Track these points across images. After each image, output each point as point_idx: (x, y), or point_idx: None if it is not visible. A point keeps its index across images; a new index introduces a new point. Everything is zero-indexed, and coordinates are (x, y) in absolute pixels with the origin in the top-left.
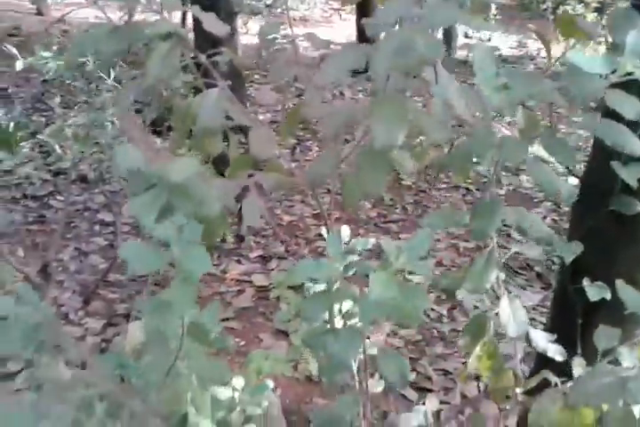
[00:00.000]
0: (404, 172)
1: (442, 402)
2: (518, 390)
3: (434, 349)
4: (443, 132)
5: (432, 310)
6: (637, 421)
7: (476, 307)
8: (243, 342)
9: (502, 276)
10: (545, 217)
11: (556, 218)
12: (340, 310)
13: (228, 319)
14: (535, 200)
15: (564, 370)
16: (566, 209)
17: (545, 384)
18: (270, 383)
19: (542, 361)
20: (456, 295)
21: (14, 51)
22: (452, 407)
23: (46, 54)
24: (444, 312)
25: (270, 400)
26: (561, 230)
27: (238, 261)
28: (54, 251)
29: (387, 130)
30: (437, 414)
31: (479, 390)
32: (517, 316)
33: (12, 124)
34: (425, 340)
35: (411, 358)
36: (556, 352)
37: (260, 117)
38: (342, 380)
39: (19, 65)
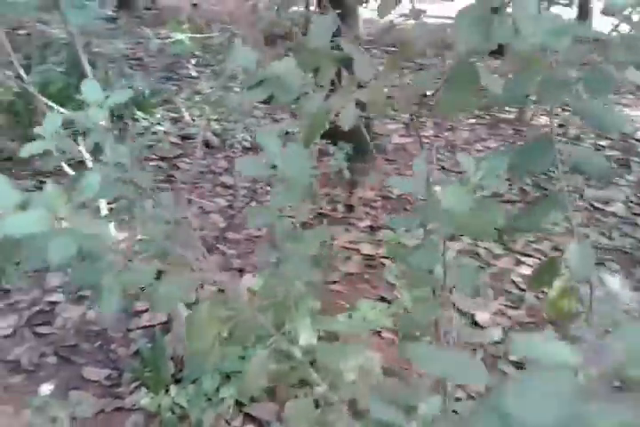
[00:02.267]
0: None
1: None
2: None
3: (542, 332)
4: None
5: (543, 292)
6: None
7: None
8: (347, 306)
9: (577, 218)
10: None
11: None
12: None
13: (334, 282)
14: None
15: None
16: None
17: None
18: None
19: None
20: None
21: (149, 32)
22: None
23: (178, 33)
24: None
25: (370, 356)
26: None
27: (347, 230)
28: (182, 208)
29: (468, 32)
30: None
31: None
32: (585, 258)
33: (147, 91)
34: (535, 323)
35: None
36: (629, 298)
37: None
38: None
39: (153, 45)
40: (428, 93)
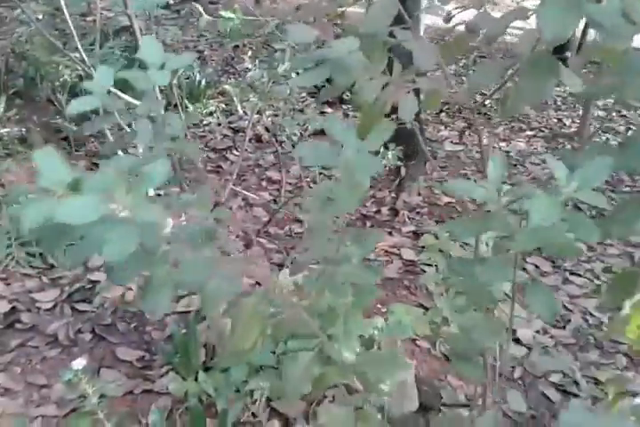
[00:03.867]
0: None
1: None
2: None
3: (587, 355)
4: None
5: (591, 315)
6: None
7: None
8: (384, 310)
9: None
10: None
11: None
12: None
13: None
14: None
15: None
16: None
17: None
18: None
19: None
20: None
21: (200, 8)
22: None
23: (226, 14)
24: (605, 320)
25: (405, 363)
26: None
27: (390, 233)
28: (225, 195)
29: (556, 18)
30: None
31: None
32: None
33: (203, 82)
34: (578, 344)
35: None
36: None
37: None
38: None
39: (202, 22)
40: (480, 99)
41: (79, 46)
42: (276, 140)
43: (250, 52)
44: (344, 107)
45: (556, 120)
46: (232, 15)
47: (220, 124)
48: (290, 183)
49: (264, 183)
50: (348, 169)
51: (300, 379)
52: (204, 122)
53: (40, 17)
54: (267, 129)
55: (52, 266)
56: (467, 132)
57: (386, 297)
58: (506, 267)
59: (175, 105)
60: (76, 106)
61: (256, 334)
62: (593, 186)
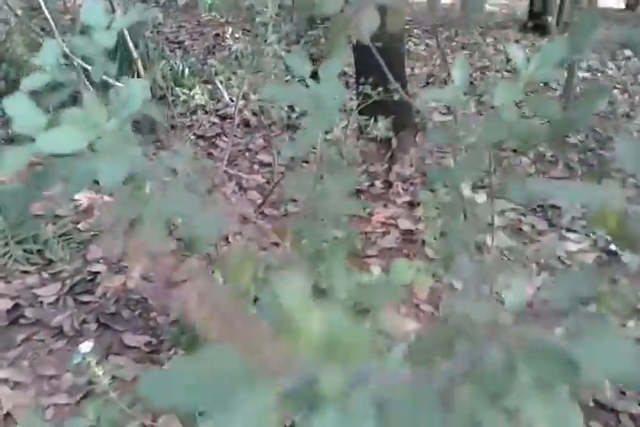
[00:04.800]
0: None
1: None
2: None
3: None
4: None
5: None
6: None
7: None
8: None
9: None
10: None
11: None
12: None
13: (371, 257)
14: None
15: None
16: None
17: None
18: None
19: None
20: None
21: None
22: None
23: None
24: None
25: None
26: None
27: (385, 206)
28: (218, 180)
29: None
30: None
31: None
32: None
33: (187, 71)
34: None
35: None
36: None
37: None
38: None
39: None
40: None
41: (60, 42)
42: (264, 124)
43: (230, 30)
44: None
45: (542, 84)
46: None
47: (207, 113)
48: (282, 164)
49: (256, 166)
50: (313, 98)
51: None
52: (191, 110)
53: (19, 12)
54: (254, 113)
55: (51, 261)
56: None
57: (386, 266)
58: (479, 158)
59: (161, 97)
60: (28, 83)
61: (248, 277)
62: (550, 66)
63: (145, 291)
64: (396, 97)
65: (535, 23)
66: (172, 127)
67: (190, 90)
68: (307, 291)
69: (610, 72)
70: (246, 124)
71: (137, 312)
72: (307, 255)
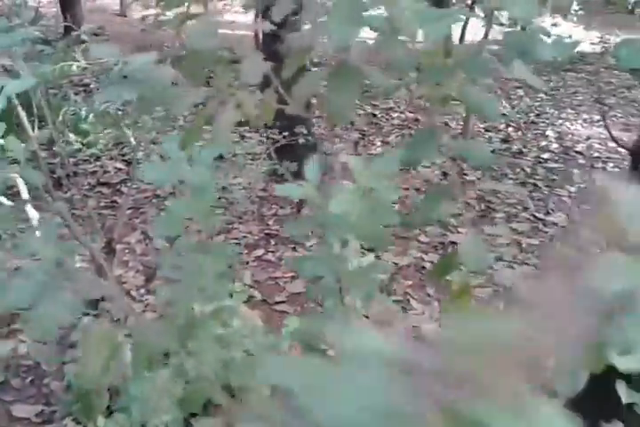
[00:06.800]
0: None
1: None
2: None
3: None
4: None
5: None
6: None
7: None
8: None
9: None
10: None
11: None
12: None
13: (279, 303)
14: None
15: None
16: None
17: None
18: None
19: None
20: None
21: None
22: None
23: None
24: None
25: None
26: None
27: (294, 249)
28: (118, 230)
29: (341, 26)
30: None
31: None
32: (478, 250)
33: (91, 116)
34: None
35: None
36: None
37: None
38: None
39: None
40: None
41: None
42: None
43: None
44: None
45: (442, 124)
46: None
47: (112, 158)
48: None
49: (163, 214)
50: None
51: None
52: (94, 157)
53: None
54: (161, 157)
55: None
56: (360, 143)
57: (294, 312)
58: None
59: (51, 141)
60: None
61: (105, 357)
62: (387, 175)
63: (38, 355)
64: (301, 140)
65: None
66: (68, 176)
67: (91, 135)
68: None
69: (504, 111)
70: None
71: (28, 380)
72: (177, 327)
